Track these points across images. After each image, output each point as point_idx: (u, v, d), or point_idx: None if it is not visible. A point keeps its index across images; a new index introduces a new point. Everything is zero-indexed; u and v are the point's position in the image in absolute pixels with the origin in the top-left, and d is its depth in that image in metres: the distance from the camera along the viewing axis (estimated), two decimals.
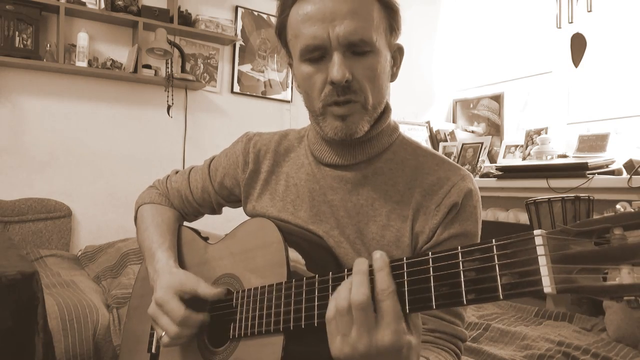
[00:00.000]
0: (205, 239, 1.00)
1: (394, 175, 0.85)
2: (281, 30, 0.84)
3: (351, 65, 0.76)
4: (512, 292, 0.50)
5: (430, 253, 0.58)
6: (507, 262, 0.51)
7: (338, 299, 0.61)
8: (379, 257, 0.60)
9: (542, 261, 0.48)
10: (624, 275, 0.45)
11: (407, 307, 0.58)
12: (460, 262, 0.54)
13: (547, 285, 0.47)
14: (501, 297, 0.51)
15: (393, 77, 0.86)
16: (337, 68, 0.74)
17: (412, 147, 0.89)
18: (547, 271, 0.47)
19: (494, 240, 0.53)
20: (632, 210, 0.47)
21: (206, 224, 1.11)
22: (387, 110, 0.87)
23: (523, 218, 2.50)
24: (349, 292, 0.60)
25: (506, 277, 0.50)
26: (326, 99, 0.77)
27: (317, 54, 0.77)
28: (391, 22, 0.81)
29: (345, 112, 0.78)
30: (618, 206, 0.49)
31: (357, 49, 0.76)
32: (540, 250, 0.48)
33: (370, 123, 0.81)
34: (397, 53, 0.86)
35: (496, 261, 0.52)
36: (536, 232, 0.49)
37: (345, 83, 0.75)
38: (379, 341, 0.57)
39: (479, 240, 0.82)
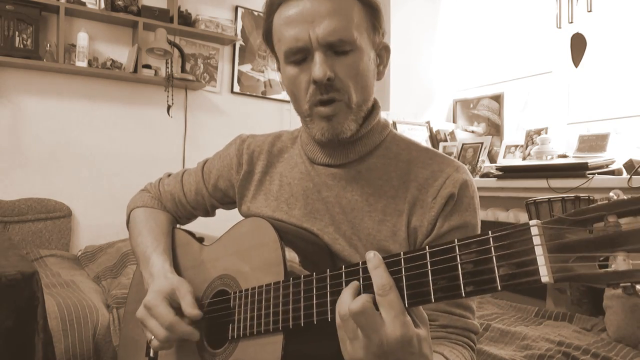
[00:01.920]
0: (200, 240, 0.99)
1: (388, 170, 0.85)
2: (267, 36, 0.86)
3: (333, 64, 0.77)
4: (510, 283, 0.50)
5: (427, 247, 0.58)
6: (504, 253, 0.51)
7: (340, 305, 0.61)
8: (373, 257, 0.60)
9: (539, 251, 0.48)
10: (619, 262, 0.45)
11: (406, 302, 0.58)
12: (458, 255, 0.55)
13: (545, 275, 0.47)
14: (499, 288, 0.51)
15: (379, 75, 0.88)
16: (318, 67, 0.76)
17: (405, 142, 0.90)
18: (544, 261, 0.47)
19: (490, 232, 0.53)
20: (625, 197, 0.47)
21: (201, 225, 1.11)
22: (375, 108, 0.88)
23: (523, 218, 2.50)
24: (351, 297, 0.60)
25: (504, 268, 0.51)
26: (311, 98, 0.79)
27: (300, 56, 0.78)
28: (373, 21, 0.83)
29: (330, 112, 0.79)
30: (611, 194, 0.49)
31: (338, 49, 0.77)
32: (536, 240, 0.48)
33: (357, 122, 0.82)
34: (384, 51, 0.88)
35: (493, 253, 0.52)
36: (532, 222, 0.49)
37: (328, 81, 0.76)
38: (389, 336, 0.57)
39: (479, 231, 0.82)
